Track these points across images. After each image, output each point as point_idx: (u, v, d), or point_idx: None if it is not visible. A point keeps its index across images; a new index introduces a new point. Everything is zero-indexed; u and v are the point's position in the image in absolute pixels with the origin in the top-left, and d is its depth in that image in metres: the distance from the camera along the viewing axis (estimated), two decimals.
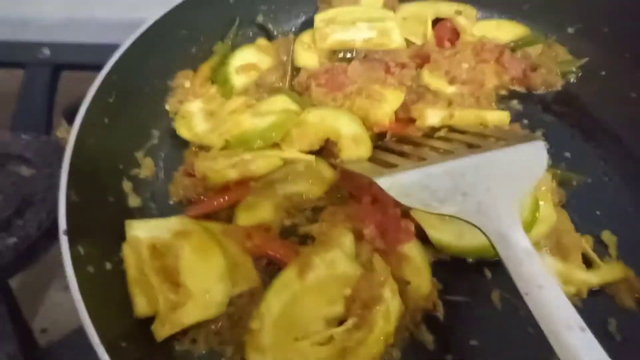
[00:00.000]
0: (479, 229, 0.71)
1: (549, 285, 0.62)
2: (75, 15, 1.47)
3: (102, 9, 1.47)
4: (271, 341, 0.72)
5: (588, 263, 0.86)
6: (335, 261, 0.78)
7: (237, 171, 0.86)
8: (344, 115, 0.95)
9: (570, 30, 1.17)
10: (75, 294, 0.64)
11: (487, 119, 0.97)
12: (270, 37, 1.20)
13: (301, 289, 0.76)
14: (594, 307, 0.81)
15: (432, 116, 0.96)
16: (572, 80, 1.12)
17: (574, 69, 1.12)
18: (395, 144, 0.96)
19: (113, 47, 0.93)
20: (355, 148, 0.91)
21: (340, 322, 0.75)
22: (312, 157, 0.91)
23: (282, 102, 1.00)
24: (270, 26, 1.21)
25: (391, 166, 0.82)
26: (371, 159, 0.91)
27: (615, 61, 1.10)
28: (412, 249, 0.85)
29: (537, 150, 0.82)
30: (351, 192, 0.91)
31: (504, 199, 0.73)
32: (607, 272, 0.84)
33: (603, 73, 1.11)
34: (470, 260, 0.85)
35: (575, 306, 0.78)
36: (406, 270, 0.82)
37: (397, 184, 0.75)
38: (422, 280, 0.82)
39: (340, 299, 0.75)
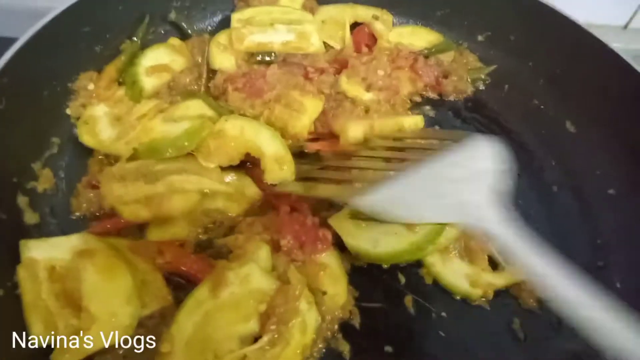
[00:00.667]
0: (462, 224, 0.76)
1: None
2: None
3: None
4: None
5: (494, 265, 0.90)
6: (249, 276, 0.76)
7: (149, 211, 0.80)
8: (265, 130, 0.90)
9: (480, 38, 1.22)
10: None
11: (404, 125, 0.99)
12: (184, 36, 1.14)
13: (214, 307, 0.73)
14: (499, 307, 0.86)
15: (354, 130, 0.96)
16: (481, 87, 1.17)
17: (482, 76, 1.18)
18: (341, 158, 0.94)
19: (9, 41, 0.84)
20: (279, 170, 0.87)
21: (256, 339, 0.73)
22: (232, 189, 0.87)
23: (196, 107, 0.96)
24: (183, 24, 1.15)
25: (347, 182, 0.82)
26: (320, 180, 0.88)
27: (521, 69, 1.17)
28: (330, 258, 0.85)
29: (491, 143, 0.85)
30: (269, 202, 0.90)
31: (478, 193, 0.77)
32: (512, 274, 0.89)
33: (509, 80, 1.17)
34: (385, 265, 0.87)
35: (482, 307, 0.85)
36: (323, 280, 0.82)
37: (376, 201, 0.76)
38: (339, 288, 0.82)
39: (255, 315, 0.74)
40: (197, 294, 0.74)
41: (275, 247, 0.83)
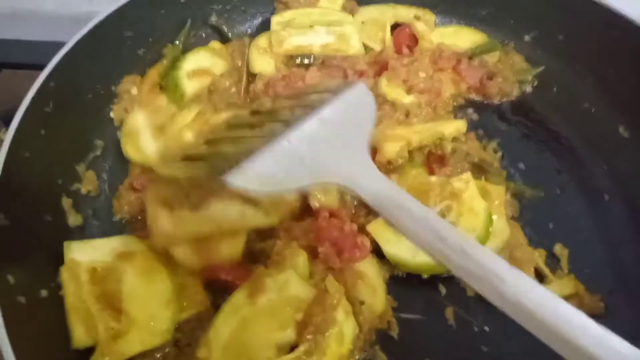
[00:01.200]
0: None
1: (420, 212, 0.57)
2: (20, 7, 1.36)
3: (50, 3, 1.37)
4: None
5: (540, 277, 0.86)
6: (287, 283, 0.75)
7: (199, 260, 0.78)
8: None
9: (527, 37, 1.17)
10: None
11: (444, 133, 0.96)
12: (224, 39, 1.14)
13: (251, 314, 0.73)
14: None
15: (391, 147, 0.91)
16: (527, 89, 1.12)
17: (530, 78, 1.12)
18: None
19: (58, 45, 0.87)
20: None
21: (292, 347, 0.72)
22: (273, 207, 0.83)
23: None
24: (224, 27, 1.15)
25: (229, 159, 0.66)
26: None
27: (570, 70, 1.11)
28: (368, 266, 0.83)
29: (361, 93, 0.74)
30: (307, 207, 0.88)
31: (352, 152, 0.67)
32: (559, 287, 0.84)
33: (558, 82, 1.12)
34: (424, 276, 0.84)
35: None
36: (361, 289, 0.81)
37: (250, 175, 0.62)
38: (377, 298, 0.81)
39: (291, 323, 0.73)
40: (234, 300, 0.74)
41: (313, 254, 0.82)
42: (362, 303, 0.79)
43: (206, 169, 0.69)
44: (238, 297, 0.74)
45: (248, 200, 0.80)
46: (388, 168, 0.92)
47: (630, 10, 1.02)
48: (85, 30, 0.90)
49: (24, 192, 0.76)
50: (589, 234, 0.92)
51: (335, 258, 0.81)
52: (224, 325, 0.72)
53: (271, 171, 0.63)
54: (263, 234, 0.85)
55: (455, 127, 0.99)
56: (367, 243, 0.83)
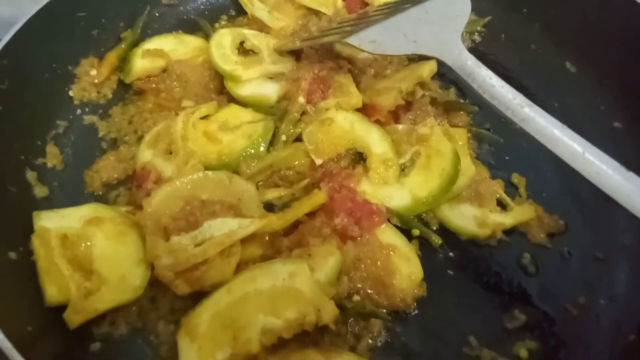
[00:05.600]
0: (438, 59, 0.85)
1: (497, 82, 0.80)
2: None
3: None
4: (205, 331, 0.68)
5: (502, 205, 0.89)
6: (295, 275, 0.72)
7: (190, 288, 0.73)
8: (376, 130, 0.91)
9: None
10: None
11: (423, 75, 1.00)
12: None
13: (253, 292, 0.71)
14: (508, 244, 0.86)
15: (387, 101, 0.95)
16: (477, 39, 1.17)
17: (478, 28, 1.17)
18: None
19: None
20: (384, 171, 0.87)
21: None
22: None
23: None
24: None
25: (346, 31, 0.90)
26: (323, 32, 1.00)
27: (515, 17, 1.16)
28: (395, 238, 0.83)
29: None
30: (314, 184, 0.89)
31: (448, 34, 0.88)
32: (520, 213, 0.88)
33: (505, 29, 1.16)
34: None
35: (491, 245, 0.84)
36: (395, 261, 0.80)
37: (364, 38, 0.86)
38: (413, 267, 0.80)
39: (284, 315, 0.70)
40: (245, 276, 0.73)
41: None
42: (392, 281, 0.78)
43: (333, 34, 0.93)
44: (249, 276, 0.73)
45: (238, 213, 0.79)
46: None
47: None
48: (36, 8, 0.91)
49: None
50: (544, 164, 0.95)
51: (354, 226, 0.80)
52: (227, 295, 0.71)
53: (380, 39, 0.86)
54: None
55: (429, 68, 1.02)
56: (383, 208, 0.83)
